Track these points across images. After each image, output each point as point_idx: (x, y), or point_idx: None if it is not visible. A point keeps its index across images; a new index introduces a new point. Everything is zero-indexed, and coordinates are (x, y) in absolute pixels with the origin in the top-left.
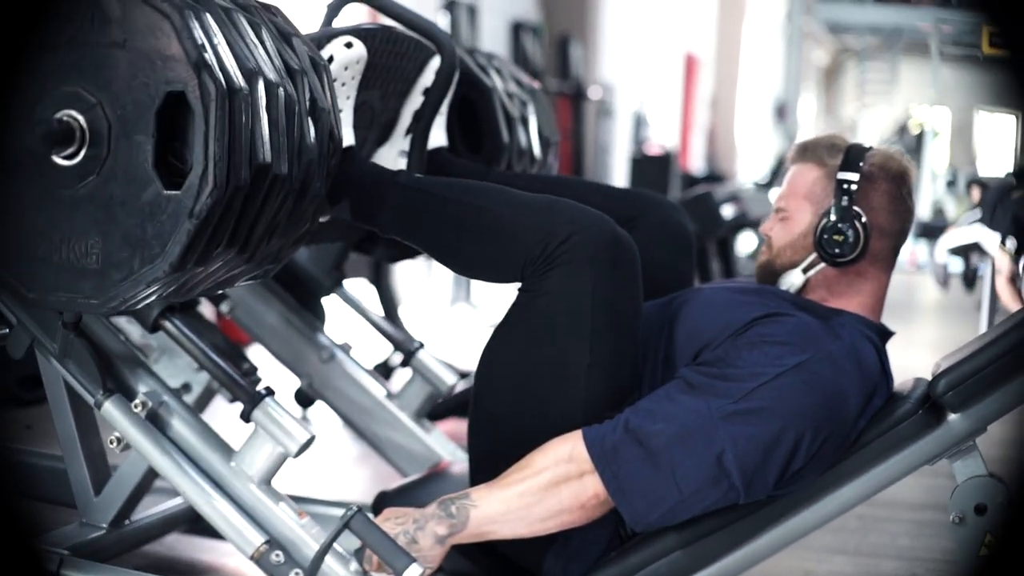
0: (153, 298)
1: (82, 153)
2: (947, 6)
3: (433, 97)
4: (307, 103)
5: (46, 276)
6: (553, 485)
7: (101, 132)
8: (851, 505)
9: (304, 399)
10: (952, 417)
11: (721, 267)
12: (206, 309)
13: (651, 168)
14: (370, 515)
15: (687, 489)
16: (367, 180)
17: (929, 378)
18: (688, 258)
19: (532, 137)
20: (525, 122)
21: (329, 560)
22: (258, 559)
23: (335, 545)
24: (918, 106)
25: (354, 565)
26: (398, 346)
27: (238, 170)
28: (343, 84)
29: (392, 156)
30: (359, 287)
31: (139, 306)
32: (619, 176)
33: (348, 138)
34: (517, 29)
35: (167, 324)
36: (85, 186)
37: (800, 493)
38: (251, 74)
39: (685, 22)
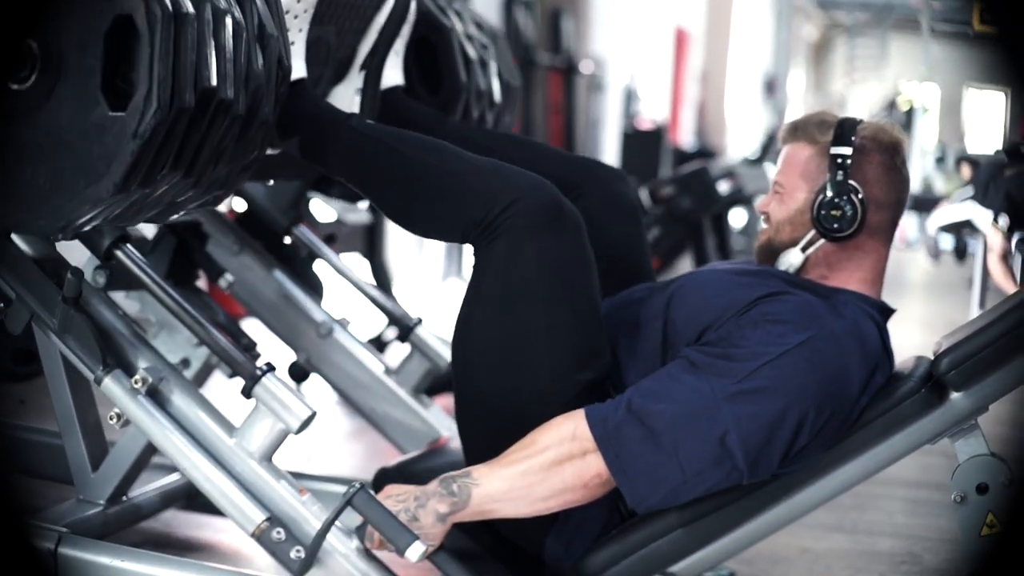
0: (99, 220)
1: (33, 77)
2: None
3: (385, 33)
4: (255, 30)
5: None
6: (556, 464)
7: (52, 56)
8: (853, 483)
9: (299, 373)
10: (954, 396)
11: (716, 242)
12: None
13: (642, 143)
14: (371, 492)
15: (689, 470)
16: (319, 118)
17: (930, 356)
18: (636, 225)
19: (492, 80)
20: (484, 65)
21: (331, 537)
22: (259, 536)
23: (337, 522)
24: (907, 82)
25: (355, 542)
26: (396, 321)
27: (182, 92)
28: (295, 16)
29: (348, 95)
30: (353, 261)
31: (86, 228)
32: (610, 151)
33: (299, 70)
34: (509, 3)
35: (119, 253)
36: (37, 108)
37: (802, 472)
38: None
39: None
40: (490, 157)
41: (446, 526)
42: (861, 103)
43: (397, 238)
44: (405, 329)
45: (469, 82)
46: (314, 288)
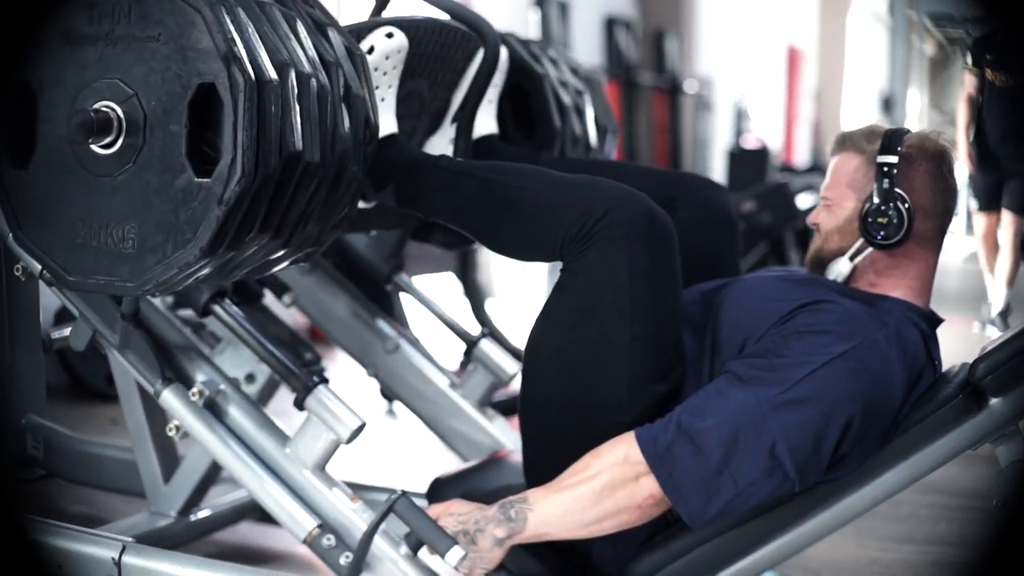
0: (189, 281)
1: (119, 142)
2: None
3: (475, 85)
4: (341, 91)
5: (85, 260)
6: (609, 488)
7: (137, 122)
8: (896, 490)
9: (388, 396)
10: (993, 401)
11: (800, 258)
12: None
13: (747, 161)
14: (420, 500)
15: (742, 482)
16: (410, 165)
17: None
18: (731, 239)
19: (588, 124)
20: (579, 110)
21: (379, 543)
22: (310, 543)
23: (387, 529)
24: None
25: (404, 548)
26: (461, 336)
27: (267, 158)
28: (384, 73)
29: (443, 145)
30: (447, 281)
31: (175, 289)
32: (719, 170)
33: (389, 126)
34: (611, 24)
35: (217, 309)
36: (122, 174)
37: (845, 478)
38: (282, 66)
39: (785, 15)
40: None
41: (503, 549)
42: None
43: (499, 257)
44: (469, 343)
45: (564, 128)
46: (383, 306)
